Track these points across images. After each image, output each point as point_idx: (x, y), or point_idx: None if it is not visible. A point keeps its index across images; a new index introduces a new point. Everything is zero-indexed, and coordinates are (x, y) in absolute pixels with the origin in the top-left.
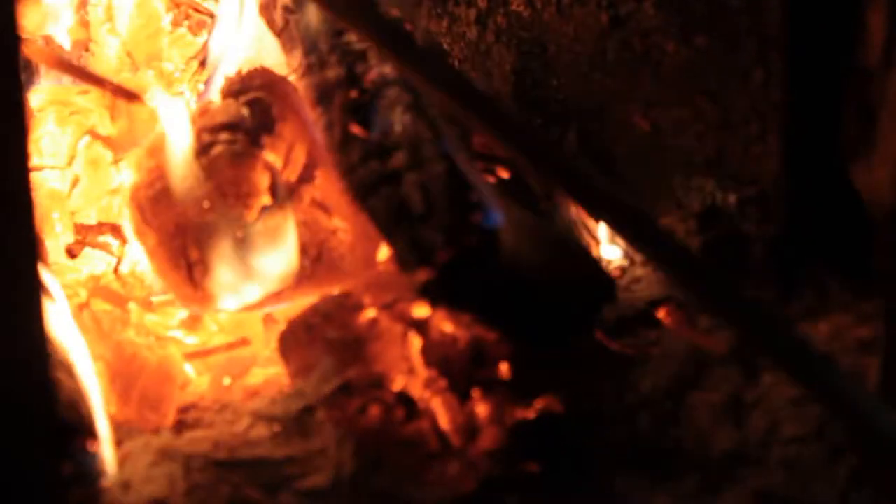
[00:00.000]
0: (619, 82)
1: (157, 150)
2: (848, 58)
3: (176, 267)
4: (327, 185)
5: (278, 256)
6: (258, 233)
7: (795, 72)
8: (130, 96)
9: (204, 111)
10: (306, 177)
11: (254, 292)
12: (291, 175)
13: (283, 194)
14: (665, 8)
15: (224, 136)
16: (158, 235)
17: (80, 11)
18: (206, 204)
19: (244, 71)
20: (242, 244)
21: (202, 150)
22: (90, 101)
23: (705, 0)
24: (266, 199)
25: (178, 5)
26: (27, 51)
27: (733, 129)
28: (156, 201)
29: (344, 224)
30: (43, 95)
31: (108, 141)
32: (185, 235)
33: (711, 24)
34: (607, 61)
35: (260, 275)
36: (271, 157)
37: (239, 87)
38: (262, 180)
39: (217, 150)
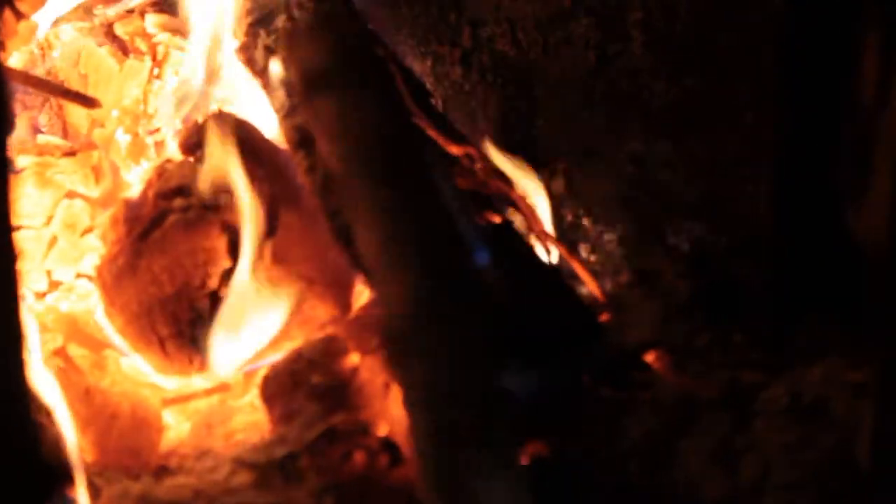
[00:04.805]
0: (607, 123)
1: (118, 221)
2: (840, 98)
3: (148, 344)
4: (292, 233)
5: (252, 318)
6: (226, 298)
7: (787, 113)
8: (88, 102)
9: (160, 172)
10: (268, 230)
11: (232, 358)
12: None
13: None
14: (653, 48)
15: (178, 202)
16: (124, 316)
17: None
18: (164, 278)
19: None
20: (211, 312)
21: (156, 221)
22: (74, 162)
23: (695, 40)
24: (226, 263)
25: (155, 44)
26: None
27: (724, 170)
28: (118, 279)
29: (312, 272)
30: (26, 156)
31: (91, 202)
32: (151, 312)
33: (701, 64)
34: (594, 101)
35: (235, 340)
36: (228, 216)
37: (195, 140)
38: (220, 245)
39: (170, 221)
